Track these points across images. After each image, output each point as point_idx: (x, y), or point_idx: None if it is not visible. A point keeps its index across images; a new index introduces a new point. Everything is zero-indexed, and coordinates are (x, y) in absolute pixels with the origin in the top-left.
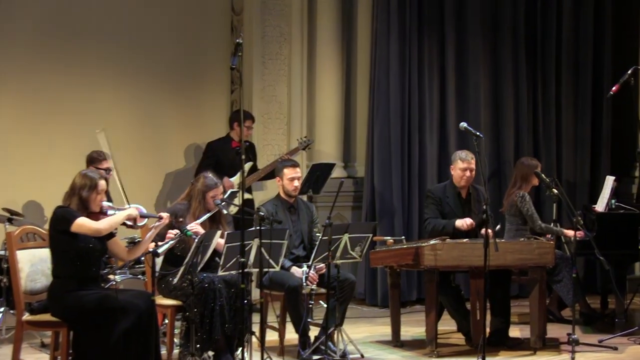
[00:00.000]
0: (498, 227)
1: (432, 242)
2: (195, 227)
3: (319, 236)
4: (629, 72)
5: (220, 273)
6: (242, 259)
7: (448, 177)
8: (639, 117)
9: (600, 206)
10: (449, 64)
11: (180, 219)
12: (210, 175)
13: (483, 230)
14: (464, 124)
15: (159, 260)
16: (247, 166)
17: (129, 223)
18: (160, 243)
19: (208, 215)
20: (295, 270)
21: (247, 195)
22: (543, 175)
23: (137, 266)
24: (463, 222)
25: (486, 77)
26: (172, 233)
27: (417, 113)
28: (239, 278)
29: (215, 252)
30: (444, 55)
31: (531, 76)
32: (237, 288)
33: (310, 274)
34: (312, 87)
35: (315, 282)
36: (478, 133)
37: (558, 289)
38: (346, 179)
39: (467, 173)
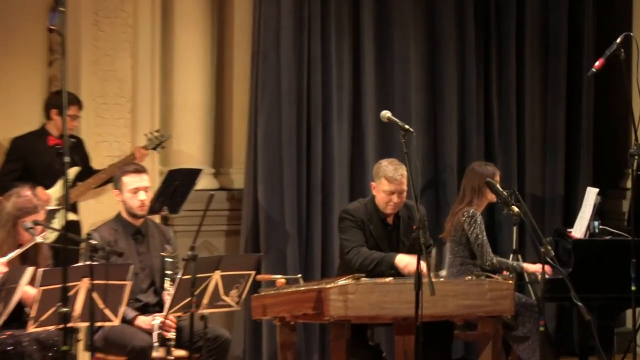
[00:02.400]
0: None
1: (340, 282)
2: None
3: (177, 275)
4: (618, 40)
5: (31, 329)
6: (65, 309)
7: (367, 192)
8: (632, 104)
9: (578, 230)
10: (365, 28)
11: None
12: (27, 193)
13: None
14: (387, 113)
15: None
16: (73, 173)
17: None
18: None
19: (20, 251)
20: (142, 322)
21: (71, 216)
22: (499, 186)
23: None
24: (408, 264)
25: (418, 47)
26: None
27: (320, 97)
28: (59, 337)
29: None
30: (359, 15)
31: (482, 48)
32: (55, 351)
33: (166, 322)
34: (168, 59)
35: (172, 331)
36: (407, 126)
37: (519, 350)
38: (217, 191)
39: (395, 198)
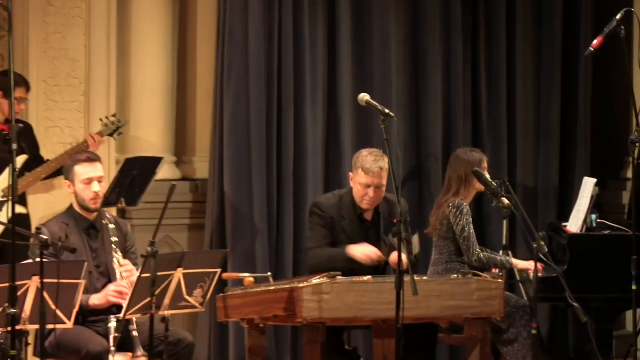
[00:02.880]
0: (417, 249)
1: (315, 281)
2: None
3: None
4: (618, 17)
5: None
6: (12, 310)
7: (344, 183)
8: (633, 87)
9: (574, 224)
10: (341, 2)
11: None
12: None
13: (392, 259)
14: (365, 97)
15: None
16: (20, 161)
17: None
18: None
19: None
20: (96, 299)
21: (19, 209)
22: (487, 176)
23: None
24: (365, 254)
25: (400, 24)
26: None
27: (292, 79)
28: (6, 340)
29: None
30: None
31: (469, 26)
32: (2, 356)
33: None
34: (125, 36)
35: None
36: (387, 111)
37: (510, 355)
38: (180, 182)
39: (370, 192)
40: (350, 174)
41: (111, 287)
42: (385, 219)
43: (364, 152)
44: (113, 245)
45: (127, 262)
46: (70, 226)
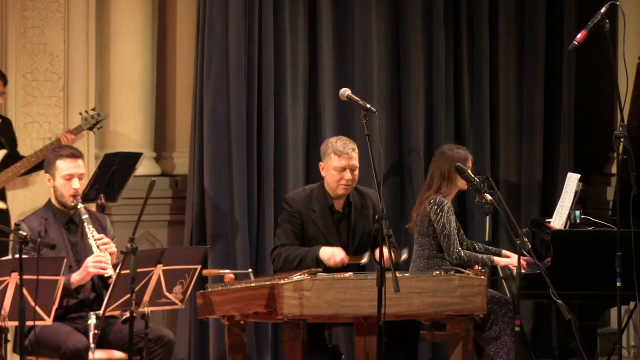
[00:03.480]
0: (404, 255)
1: (295, 277)
2: None
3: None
4: (602, 10)
5: None
6: None
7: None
8: (617, 81)
9: (557, 220)
10: None
11: None
12: None
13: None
14: (346, 91)
15: None
16: (0, 156)
17: None
18: None
19: None
20: (77, 275)
21: None
22: (470, 172)
23: None
24: (332, 255)
25: (381, 18)
26: None
27: (273, 73)
28: None
29: None
30: None
31: (451, 18)
32: None
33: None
34: (104, 30)
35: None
36: (368, 106)
37: (492, 352)
38: (160, 177)
39: (347, 175)
40: (321, 163)
41: (89, 259)
42: (356, 210)
43: (332, 139)
44: (85, 224)
45: (102, 235)
46: (49, 221)
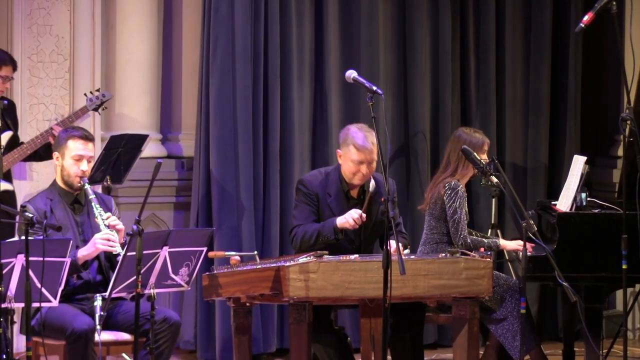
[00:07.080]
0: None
1: (301, 259)
2: None
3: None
4: None
5: None
6: None
7: (331, 160)
8: (624, 63)
9: (563, 203)
10: None
11: None
12: None
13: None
14: (352, 74)
15: None
16: (5, 138)
17: None
18: None
19: None
20: (84, 251)
21: (4, 185)
22: (476, 155)
23: None
24: (348, 218)
25: (387, 0)
26: None
27: (279, 55)
28: None
29: None
30: None
31: (458, 0)
32: None
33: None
34: (110, 11)
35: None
36: (374, 88)
37: (498, 333)
38: (165, 159)
39: (364, 169)
40: (339, 150)
41: (97, 235)
42: (371, 197)
43: (353, 128)
44: (92, 203)
45: (109, 213)
46: (54, 201)
